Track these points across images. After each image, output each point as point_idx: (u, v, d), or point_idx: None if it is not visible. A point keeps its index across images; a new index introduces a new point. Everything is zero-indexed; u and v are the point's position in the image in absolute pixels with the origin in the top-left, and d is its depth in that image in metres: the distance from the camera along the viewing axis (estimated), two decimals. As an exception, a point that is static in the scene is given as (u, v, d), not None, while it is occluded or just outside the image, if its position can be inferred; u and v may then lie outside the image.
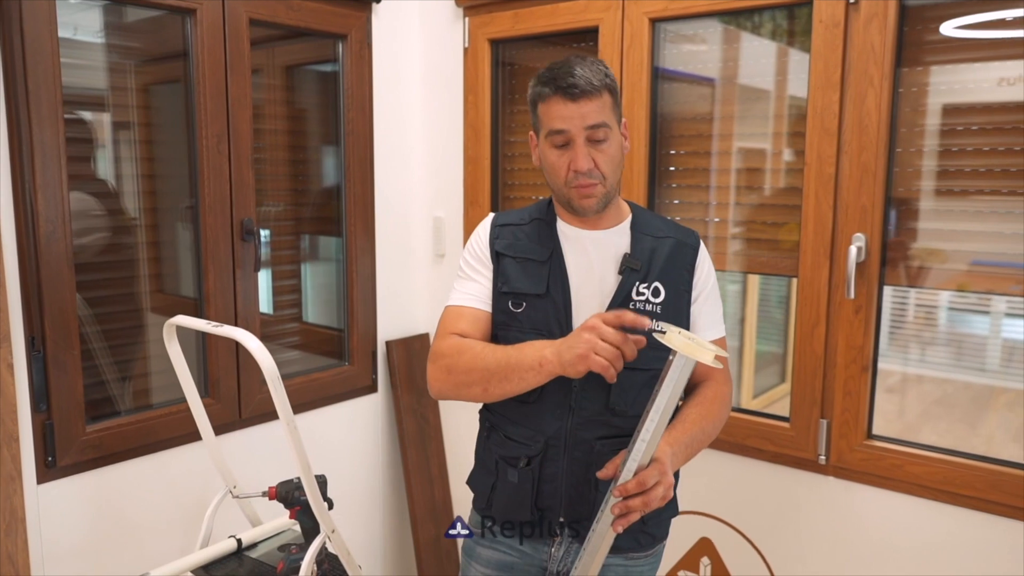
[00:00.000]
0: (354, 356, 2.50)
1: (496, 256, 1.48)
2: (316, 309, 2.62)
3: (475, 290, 1.48)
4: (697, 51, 2.12)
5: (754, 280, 3.88)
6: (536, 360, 1.27)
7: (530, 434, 1.45)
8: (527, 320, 1.44)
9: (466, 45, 2.44)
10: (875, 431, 1.89)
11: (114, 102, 2.00)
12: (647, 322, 1.19)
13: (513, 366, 1.31)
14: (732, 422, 2.05)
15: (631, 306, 1.40)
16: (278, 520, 1.98)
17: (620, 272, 1.43)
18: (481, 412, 1.57)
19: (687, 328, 1.44)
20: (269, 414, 2.24)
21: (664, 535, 1.55)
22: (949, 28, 1.74)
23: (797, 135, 1.96)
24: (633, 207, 1.52)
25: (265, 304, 2.48)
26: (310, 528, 1.80)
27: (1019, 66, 1.66)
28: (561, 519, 1.46)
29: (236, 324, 2.14)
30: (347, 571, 1.82)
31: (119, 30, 1.99)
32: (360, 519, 2.56)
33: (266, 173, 2.29)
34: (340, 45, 2.35)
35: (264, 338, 2.37)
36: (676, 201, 2.17)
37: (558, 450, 1.43)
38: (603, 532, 1.26)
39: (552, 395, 1.42)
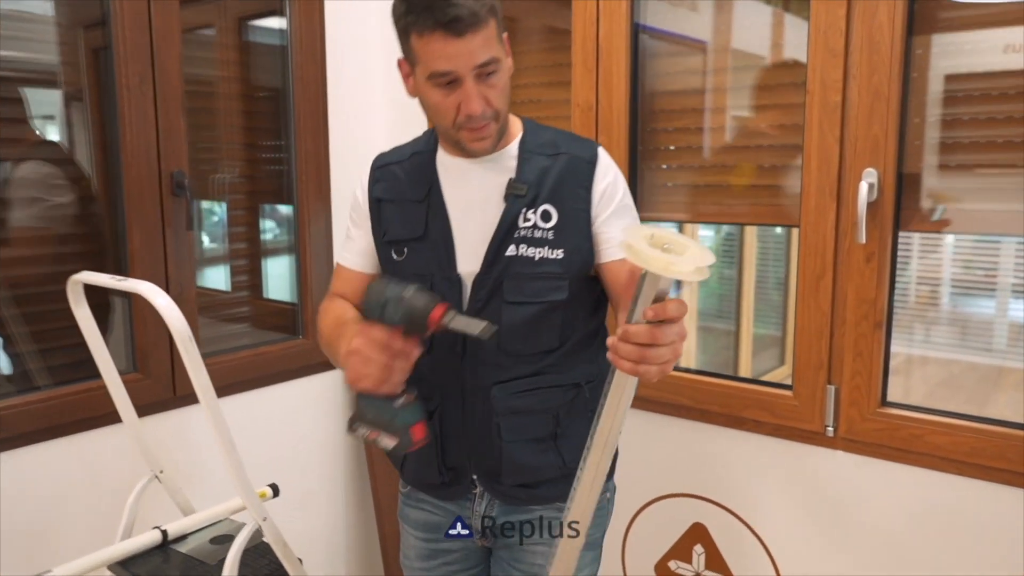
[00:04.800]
0: (309, 329, 2.26)
1: (376, 203, 1.37)
2: (271, 283, 2.38)
3: (352, 248, 1.43)
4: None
5: (750, 262, 3.64)
6: (344, 353, 1.18)
7: (427, 389, 1.31)
8: (409, 266, 1.32)
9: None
10: (890, 398, 1.65)
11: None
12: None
13: (335, 347, 1.28)
14: (726, 391, 1.81)
15: (516, 235, 1.26)
16: (213, 509, 1.74)
17: (504, 199, 1.27)
18: None
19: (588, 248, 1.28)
20: (209, 392, 2.00)
21: (610, 476, 1.43)
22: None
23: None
24: (525, 124, 1.35)
25: (224, 282, 2.28)
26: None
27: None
28: (474, 475, 1.36)
29: (168, 291, 1.89)
30: (284, 565, 1.58)
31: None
32: (320, 509, 2.32)
33: (221, 141, 2.07)
34: (286, -20, 2.11)
35: (205, 310, 2.16)
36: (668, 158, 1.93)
37: (455, 402, 1.32)
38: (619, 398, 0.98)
39: (442, 341, 1.30)
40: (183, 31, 1.89)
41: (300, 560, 1.64)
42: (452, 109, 1.19)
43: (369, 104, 2.37)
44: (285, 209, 2.31)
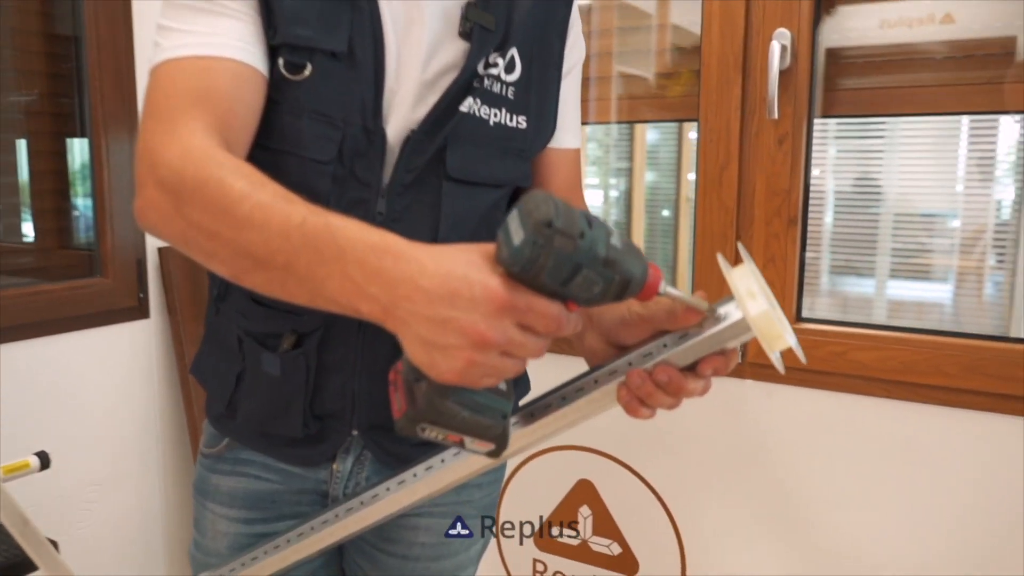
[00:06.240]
0: (108, 267, 1.81)
1: None
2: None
3: (228, 28, 0.77)
4: None
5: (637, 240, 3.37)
6: (346, 296, 0.60)
7: None
8: (310, 97, 0.81)
9: None
10: (805, 312, 1.38)
11: None
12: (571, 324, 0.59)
13: (301, 274, 0.61)
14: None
15: (475, 84, 0.85)
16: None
17: (464, 32, 0.85)
18: None
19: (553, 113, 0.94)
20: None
21: None
22: None
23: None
24: None
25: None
26: None
27: None
28: (354, 431, 0.91)
29: None
30: (24, 549, 1.16)
31: None
32: (131, 487, 1.88)
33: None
34: None
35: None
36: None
37: (350, 322, 0.82)
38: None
39: None
40: None
41: (54, 543, 1.22)
42: None
43: None
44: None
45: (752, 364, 1.39)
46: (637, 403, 0.67)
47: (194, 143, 0.69)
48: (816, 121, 1.35)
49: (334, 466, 0.93)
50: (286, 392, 0.89)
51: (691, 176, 2.77)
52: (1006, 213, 1.74)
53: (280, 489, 0.95)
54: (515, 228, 0.55)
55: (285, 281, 0.63)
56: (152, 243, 1.90)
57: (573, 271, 0.55)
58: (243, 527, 0.96)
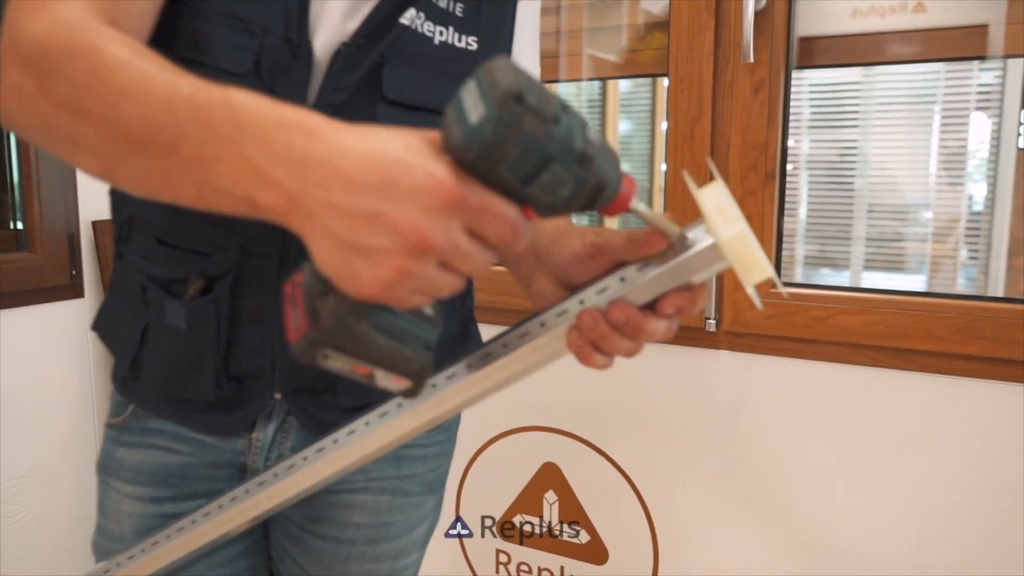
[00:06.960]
0: (35, 242, 1.68)
1: None
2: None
3: None
4: None
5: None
6: (241, 182, 0.47)
7: (210, 233, 0.74)
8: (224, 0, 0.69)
9: None
10: (783, 279, 1.28)
11: None
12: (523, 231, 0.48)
13: (186, 157, 0.49)
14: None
15: (417, 6, 0.74)
16: None
17: None
18: (112, 189, 0.79)
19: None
20: None
21: None
22: None
23: None
24: None
25: None
26: None
27: None
28: (276, 394, 0.79)
29: None
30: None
31: None
32: (66, 480, 1.74)
33: None
34: None
35: None
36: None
37: (268, 263, 0.75)
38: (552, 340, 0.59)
39: None
40: None
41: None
42: None
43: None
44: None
45: (727, 333, 1.29)
46: (590, 348, 0.56)
47: (69, 15, 0.57)
48: (791, 115, 1.25)
49: (253, 435, 0.81)
50: (194, 347, 0.76)
51: (663, 167, 2.68)
52: (978, 206, 1.68)
53: (192, 462, 0.82)
54: (472, 102, 0.43)
55: (167, 170, 0.50)
56: (85, 217, 1.76)
57: (541, 164, 0.44)
58: (150, 507, 0.83)
